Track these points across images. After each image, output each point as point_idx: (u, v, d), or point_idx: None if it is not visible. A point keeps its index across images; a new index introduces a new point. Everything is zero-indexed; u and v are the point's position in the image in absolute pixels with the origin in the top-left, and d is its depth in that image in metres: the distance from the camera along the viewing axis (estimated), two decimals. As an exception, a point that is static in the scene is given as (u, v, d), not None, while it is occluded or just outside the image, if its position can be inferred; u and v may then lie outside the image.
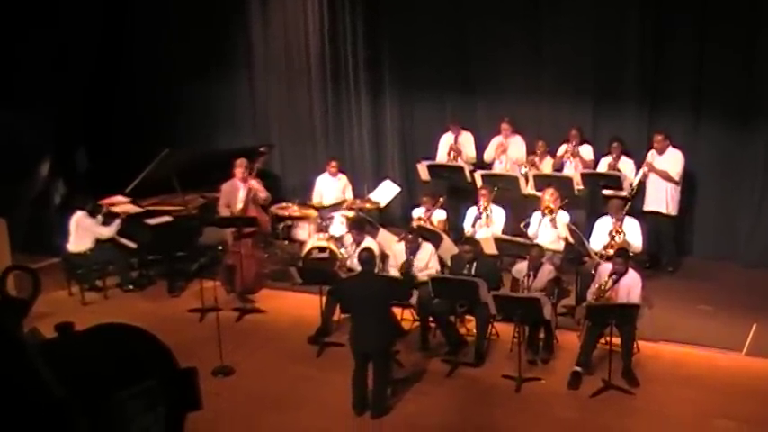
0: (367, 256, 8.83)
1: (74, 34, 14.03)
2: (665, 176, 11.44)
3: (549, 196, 10.84)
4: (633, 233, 10.53)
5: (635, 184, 11.43)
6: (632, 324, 8.90)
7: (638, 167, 11.62)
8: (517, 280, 9.71)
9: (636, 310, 8.85)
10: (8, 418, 1.75)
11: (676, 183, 11.50)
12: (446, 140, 12.88)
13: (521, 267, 9.75)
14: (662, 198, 11.53)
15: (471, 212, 11.36)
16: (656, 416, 8.38)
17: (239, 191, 11.46)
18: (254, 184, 11.50)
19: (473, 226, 11.18)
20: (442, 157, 12.83)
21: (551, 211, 10.74)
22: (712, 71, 11.67)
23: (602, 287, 9.14)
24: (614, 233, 10.46)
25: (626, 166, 11.72)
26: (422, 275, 10.01)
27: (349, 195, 12.65)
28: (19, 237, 11.12)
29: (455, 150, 12.71)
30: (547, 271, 9.61)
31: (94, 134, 14.64)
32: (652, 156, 11.51)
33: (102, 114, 14.94)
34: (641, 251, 10.65)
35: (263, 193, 11.56)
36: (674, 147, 11.49)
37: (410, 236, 10.26)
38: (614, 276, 9.13)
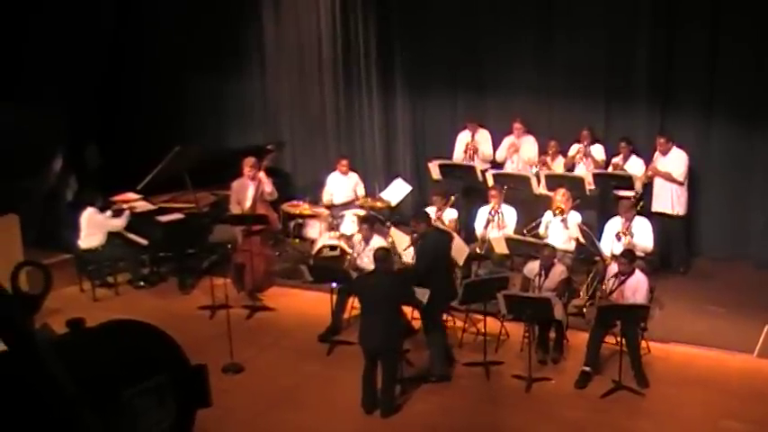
0: (383, 255, 8.80)
1: (86, 31, 14.07)
2: (668, 178, 11.42)
3: (560, 196, 10.82)
4: (643, 233, 10.49)
5: (639, 187, 11.38)
6: (638, 325, 8.90)
7: (648, 167, 11.61)
8: (528, 279, 9.70)
9: (645, 311, 8.84)
10: (20, 414, 1.76)
11: (680, 183, 11.46)
12: (463, 138, 12.86)
13: (532, 267, 9.75)
14: (667, 199, 11.50)
15: (483, 212, 11.35)
16: (665, 417, 8.37)
17: (248, 189, 11.47)
18: (262, 175, 11.51)
19: (485, 228, 11.18)
20: (458, 155, 12.81)
21: (562, 212, 10.73)
22: (724, 70, 11.63)
23: (607, 288, 9.15)
24: (621, 234, 10.44)
25: (634, 165, 11.70)
26: None
27: (360, 193, 12.66)
28: (31, 233, 11.16)
29: (472, 148, 12.70)
30: (559, 271, 9.59)
31: (106, 131, 14.69)
32: (656, 158, 11.50)
33: (113, 111, 14.99)
34: (652, 251, 10.62)
35: (268, 187, 11.55)
36: (679, 147, 11.47)
37: (414, 236, 10.21)
38: (620, 277, 9.13)
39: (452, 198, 11.68)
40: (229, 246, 11.47)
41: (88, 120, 14.17)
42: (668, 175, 11.41)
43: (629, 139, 11.83)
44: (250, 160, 11.50)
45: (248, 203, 11.43)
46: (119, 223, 11.57)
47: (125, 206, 11.76)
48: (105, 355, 1.99)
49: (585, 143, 12.00)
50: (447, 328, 9.72)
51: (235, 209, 11.54)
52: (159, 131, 14.12)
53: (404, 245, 10.40)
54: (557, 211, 10.76)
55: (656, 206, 11.56)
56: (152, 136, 13.90)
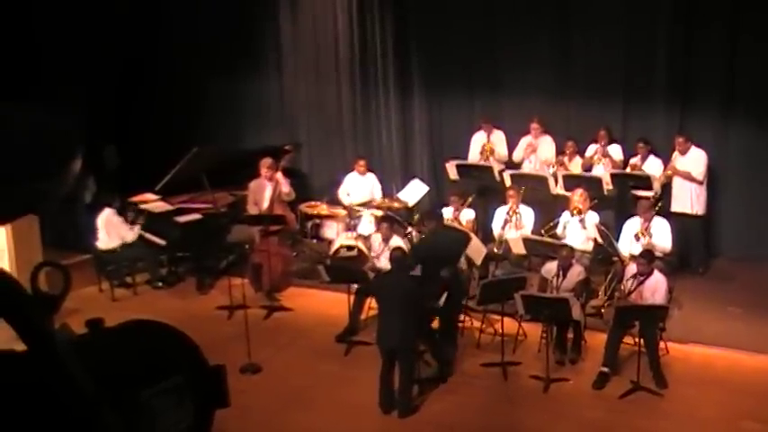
0: (399, 255, 8.83)
1: (104, 32, 14.13)
2: (688, 177, 11.36)
3: (578, 197, 10.80)
4: (662, 234, 10.46)
5: (657, 187, 11.33)
6: (656, 326, 8.87)
7: (667, 167, 11.57)
8: (546, 280, 9.68)
9: (664, 311, 8.81)
10: (39, 415, 1.77)
11: (699, 182, 11.41)
12: (478, 139, 12.83)
13: (550, 267, 9.73)
14: (686, 199, 11.44)
15: (500, 213, 11.33)
16: (684, 417, 8.33)
17: (266, 189, 11.50)
18: (279, 176, 11.53)
19: (503, 228, 11.16)
20: (474, 155, 12.78)
21: (580, 212, 10.70)
22: (743, 70, 11.57)
23: (625, 288, 9.12)
24: (640, 234, 10.40)
25: (653, 166, 11.65)
26: None
27: (377, 194, 12.66)
28: (50, 233, 11.22)
29: (488, 149, 12.67)
30: (576, 272, 9.57)
31: (124, 132, 14.75)
32: (674, 158, 11.45)
33: (131, 112, 15.04)
34: (670, 252, 10.58)
35: (285, 187, 11.56)
36: (697, 146, 11.41)
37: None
38: (639, 277, 9.09)
39: (470, 198, 11.67)
40: (247, 246, 11.50)
41: (106, 121, 14.23)
42: (688, 174, 11.36)
43: (646, 139, 11.77)
44: (267, 161, 11.52)
45: (266, 204, 11.47)
46: (130, 236, 11.60)
47: (142, 206, 11.79)
48: (124, 356, 1.99)
49: (603, 143, 11.95)
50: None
51: (252, 209, 11.57)
52: (177, 132, 14.14)
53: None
54: (574, 212, 10.73)
55: (675, 206, 11.50)
56: (170, 137, 13.94)
